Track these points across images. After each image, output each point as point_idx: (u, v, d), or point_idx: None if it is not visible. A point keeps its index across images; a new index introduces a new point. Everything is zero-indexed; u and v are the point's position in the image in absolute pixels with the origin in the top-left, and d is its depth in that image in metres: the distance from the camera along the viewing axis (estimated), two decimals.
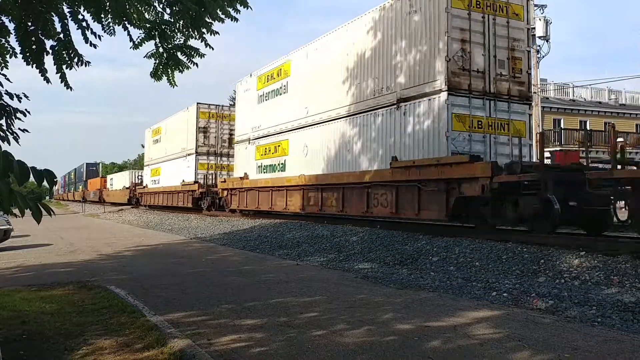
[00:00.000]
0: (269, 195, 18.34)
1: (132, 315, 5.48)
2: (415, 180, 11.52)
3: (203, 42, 5.04)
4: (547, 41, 28.93)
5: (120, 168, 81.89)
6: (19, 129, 5.07)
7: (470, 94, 11.21)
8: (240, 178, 20.83)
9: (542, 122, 29.99)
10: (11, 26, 4.62)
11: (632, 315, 5.43)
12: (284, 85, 17.81)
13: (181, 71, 5.19)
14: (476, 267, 8.39)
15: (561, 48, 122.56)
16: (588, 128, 33.34)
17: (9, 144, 4.95)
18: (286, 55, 17.96)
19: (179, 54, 5.10)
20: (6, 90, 4.95)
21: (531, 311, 5.72)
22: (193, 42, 5.15)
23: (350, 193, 13.98)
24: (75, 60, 4.70)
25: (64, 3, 4.53)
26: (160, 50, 5.06)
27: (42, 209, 2.24)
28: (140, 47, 4.92)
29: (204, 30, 4.91)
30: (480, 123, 11.38)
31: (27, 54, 4.55)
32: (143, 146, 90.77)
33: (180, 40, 5.06)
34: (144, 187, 36.19)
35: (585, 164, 10.34)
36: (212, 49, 5.16)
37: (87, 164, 72.47)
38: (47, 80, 4.89)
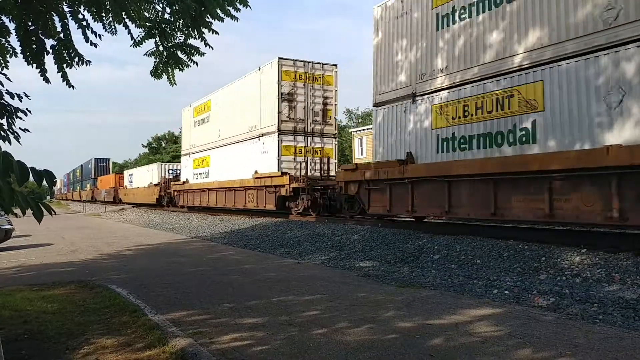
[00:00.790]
0: (200, 195, 26.80)
1: (134, 315, 5.49)
2: (264, 185, 19.74)
3: (203, 42, 5.03)
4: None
5: (122, 167, 77.78)
6: (20, 128, 5.08)
7: (294, 134, 19.19)
8: (183, 182, 29.35)
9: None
10: (11, 26, 4.63)
11: (633, 313, 5.43)
12: (208, 116, 26.39)
13: (181, 70, 5.18)
14: (477, 264, 8.39)
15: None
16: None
17: (10, 144, 4.96)
18: (209, 95, 26.35)
19: (179, 52, 5.08)
20: (7, 90, 4.96)
21: (532, 309, 5.72)
22: (193, 42, 5.14)
23: (238, 194, 22.39)
24: (76, 59, 4.69)
25: (64, 2, 4.53)
26: (160, 48, 5.04)
27: (43, 208, 2.25)
28: (140, 45, 4.91)
29: (204, 29, 4.90)
30: (301, 150, 19.29)
31: (28, 54, 4.55)
32: (146, 145, 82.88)
33: (180, 39, 5.05)
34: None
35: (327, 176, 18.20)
36: (212, 48, 5.15)
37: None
38: (47, 80, 4.89)
